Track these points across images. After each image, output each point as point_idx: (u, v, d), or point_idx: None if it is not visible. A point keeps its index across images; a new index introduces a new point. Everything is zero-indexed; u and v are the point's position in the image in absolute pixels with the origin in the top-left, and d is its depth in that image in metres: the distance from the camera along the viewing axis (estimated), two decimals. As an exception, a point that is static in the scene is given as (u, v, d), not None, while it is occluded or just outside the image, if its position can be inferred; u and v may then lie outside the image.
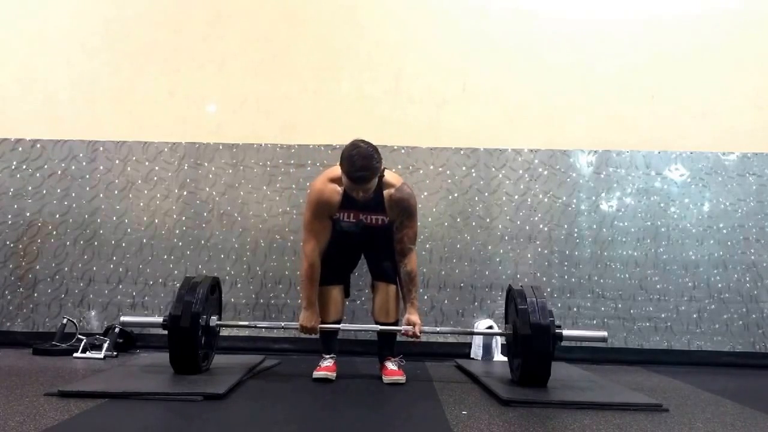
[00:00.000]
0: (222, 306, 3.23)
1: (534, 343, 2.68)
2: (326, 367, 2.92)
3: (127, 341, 3.61)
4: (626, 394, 2.72)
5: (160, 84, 3.89)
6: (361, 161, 2.70)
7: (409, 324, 2.87)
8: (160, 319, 2.87)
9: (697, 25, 3.87)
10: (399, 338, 3.04)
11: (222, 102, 3.89)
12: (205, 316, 2.87)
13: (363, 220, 2.91)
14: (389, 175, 2.92)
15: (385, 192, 2.88)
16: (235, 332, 3.70)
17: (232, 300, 3.75)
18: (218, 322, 3.04)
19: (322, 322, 3.01)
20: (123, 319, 3.11)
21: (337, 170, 2.89)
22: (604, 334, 2.98)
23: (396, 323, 3.03)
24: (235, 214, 3.81)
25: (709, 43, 3.85)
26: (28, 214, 3.81)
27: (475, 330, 3.62)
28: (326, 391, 2.73)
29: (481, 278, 3.76)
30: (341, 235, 2.97)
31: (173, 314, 2.78)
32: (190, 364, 2.81)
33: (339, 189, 2.87)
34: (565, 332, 2.81)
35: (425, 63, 3.89)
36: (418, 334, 2.88)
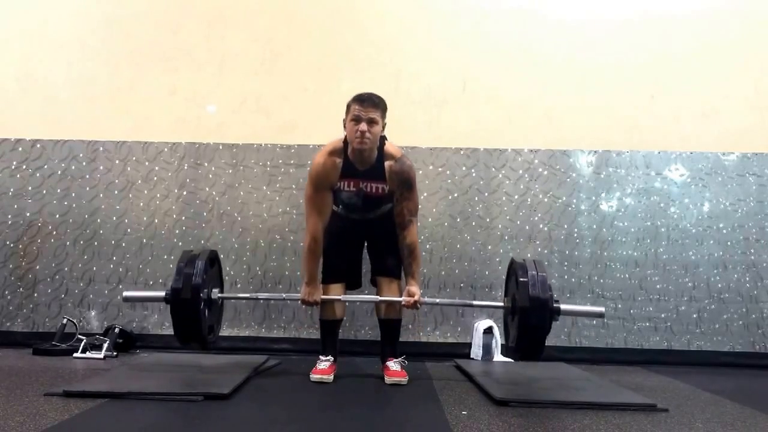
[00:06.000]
0: (223, 282, 3.21)
1: (531, 315, 2.67)
2: (322, 369, 2.90)
3: (127, 341, 3.61)
4: (624, 395, 2.72)
5: (160, 84, 3.89)
6: (367, 93, 2.85)
7: (409, 295, 2.88)
8: (162, 293, 2.87)
9: (697, 24, 3.87)
10: (399, 338, 3.04)
11: (222, 102, 3.89)
12: (206, 290, 2.87)
13: (363, 189, 2.90)
14: (389, 146, 2.94)
15: (386, 163, 2.90)
16: (235, 332, 3.72)
17: (232, 300, 3.74)
18: (220, 295, 3.04)
19: (323, 321, 3.02)
20: (125, 294, 3.10)
21: (336, 143, 2.92)
22: (602, 309, 2.95)
23: (400, 321, 3.04)
24: (235, 214, 3.81)
25: (709, 43, 3.85)
26: (28, 214, 3.81)
27: (475, 328, 3.64)
28: (326, 392, 2.73)
29: (481, 278, 3.76)
30: (342, 228, 2.98)
31: (174, 287, 2.79)
32: (195, 336, 2.83)
33: (339, 160, 2.89)
34: (563, 307, 2.79)
35: (425, 63, 3.89)
36: (418, 302, 2.87)
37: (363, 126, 2.78)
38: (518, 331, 2.73)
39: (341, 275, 3.04)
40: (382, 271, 3.02)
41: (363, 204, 2.94)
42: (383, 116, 2.86)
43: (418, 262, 2.96)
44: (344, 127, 2.88)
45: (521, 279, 2.73)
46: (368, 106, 2.80)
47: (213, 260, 3.01)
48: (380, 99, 2.85)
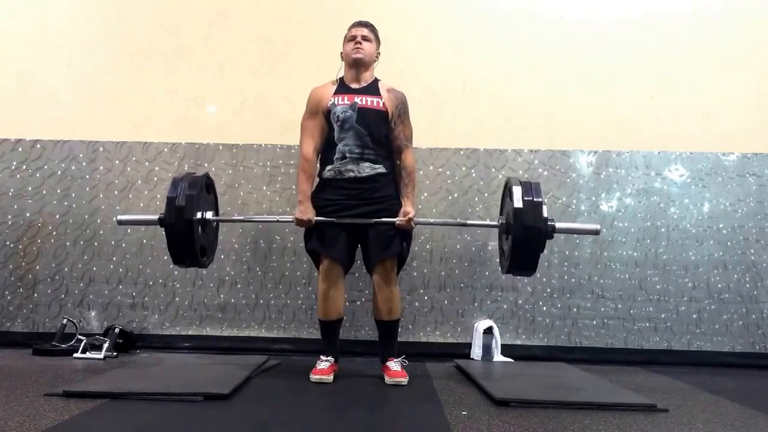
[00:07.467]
0: (218, 209, 3.26)
1: (525, 219, 2.72)
2: (322, 369, 2.90)
3: (127, 341, 3.61)
4: (624, 395, 2.72)
5: (160, 84, 3.89)
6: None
7: (404, 215, 2.95)
8: (155, 216, 2.94)
9: (697, 24, 3.87)
10: (397, 338, 3.04)
11: (222, 102, 3.90)
12: (200, 211, 2.94)
13: (358, 102, 2.98)
14: (384, 82, 3.12)
15: (381, 86, 3.07)
16: (235, 332, 3.73)
17: (232, 300, 3.75)
18: (215, 218, 3.11)
19: (323, 322, 3.02)
20: (120, 218, 3.15)
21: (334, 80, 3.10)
22: (597, 227, 3.01)
23: (398, 321, 3.04)
24: (235, 214, 3.81)
25: (709, 43, 3.86)
26: (28, 215, 3.81)
27: (475, 328, 3.64)
28: (326, 392, 2.73)
29: (481, 278, 3.76)
30: (333, 202, 2.96)
31: (169, 195, 2.85)
32: (188, 253, 2.88)
33: (334, 84, 3.07)
34: (558, 225, 2.87)
35: (425, 63, 3.89)
36: (412, 220, 2.94)
37: (359, 38, 3.02)
38: (512, 242, 2.78)
39: (340, 253, 2.97)
40: (377, 253, 2.95)
41: (358, 121, 2.95)
42: (377, 42, 3.10)
43: (414, 184, 3.07)
44: (342, 58, 3.10)
45: (514, 187, 2.79)
46: (361, 27, 3.07)
47: (209, 186, 3.10)
48: (374, 26, 3.11)
